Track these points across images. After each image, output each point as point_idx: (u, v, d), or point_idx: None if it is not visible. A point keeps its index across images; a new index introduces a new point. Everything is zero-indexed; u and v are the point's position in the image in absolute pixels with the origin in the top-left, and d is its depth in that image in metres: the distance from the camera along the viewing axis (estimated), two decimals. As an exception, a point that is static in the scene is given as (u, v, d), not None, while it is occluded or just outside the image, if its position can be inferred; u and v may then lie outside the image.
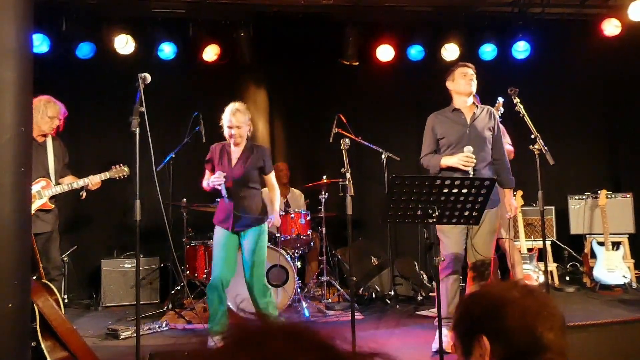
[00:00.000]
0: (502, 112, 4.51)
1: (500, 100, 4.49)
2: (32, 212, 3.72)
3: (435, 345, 3.46)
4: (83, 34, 5.74)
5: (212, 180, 3.69)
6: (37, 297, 2.87)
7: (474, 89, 3.73)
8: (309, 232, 5.00)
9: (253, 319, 0.69)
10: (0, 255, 2.13)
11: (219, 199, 3.92)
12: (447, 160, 3.61)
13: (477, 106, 3.78)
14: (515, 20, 6.19)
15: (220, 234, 3.80)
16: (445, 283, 3.59)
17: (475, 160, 3.50)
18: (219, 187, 3.69)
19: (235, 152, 3.83)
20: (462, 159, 3.51)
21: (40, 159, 4.04)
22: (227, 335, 0.67)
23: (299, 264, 5.10)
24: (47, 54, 5.61)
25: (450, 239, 3.60)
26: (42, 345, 2.84)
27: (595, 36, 6.09)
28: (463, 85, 3.70)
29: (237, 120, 3.73)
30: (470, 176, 3.39)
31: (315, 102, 6.42)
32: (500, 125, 4.77)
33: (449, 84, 3.79)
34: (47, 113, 4.06)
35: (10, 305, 2.12)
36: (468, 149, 3.52)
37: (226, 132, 3.79)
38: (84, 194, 4.18)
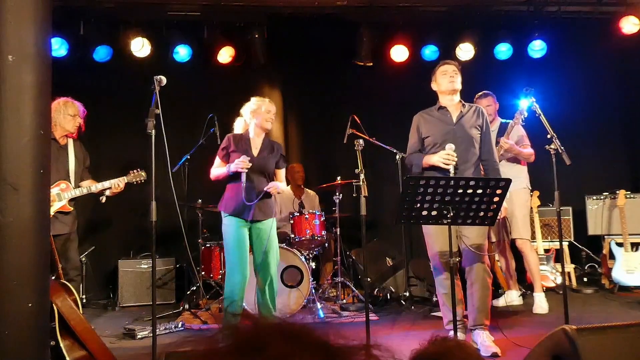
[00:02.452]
0: (525, 116, 4.36)
1: (523, 107, 4.25)
2: (52, 214, 3.79)
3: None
4: (100, 38, 5.82)
5: (238, 163, 3.65)
6: (56, 297, 2.91)
7: (457, 86, 3.64)
8: (323, 233, 5.00)
9: (250, 323, 0.69)
10: (20, 256, 2.16)
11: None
12: (428, 159, 3.54)
13: (464, 105, 3.69)
14: (531, 19, 6.12)
15: (233, 224, 3.79)
16: (443, 287, 3.56)
17: (456, 159, 3.40)
18: (243, 171, 3.66)
19: (256, 142, 3.91)
20: (442, 157, 3.44)
21: (61, 161, 4.10)
22: (225, 340, 0.67)
23: (313, 264, 5.10)
24: (65, 57, 5.69)
25: (436, 237, 3.53)
26: (61, 345, 2.88)
27: (613, 34, 6.00)
28: (445, 83, 3.64)
29: (273, 107, 3.91)
30: (451, 175, 3.29)
31: (329, 103, 6.43)
32: (522, 129, 4.71)
33: (433, 86, 3.74)
34: (68, 112, 4.12)
35: (29, 304, 2.16)
36: (450, 147, 3.43)
37: (261, 117, 3.85)
38: (104, 198, 4.22)
